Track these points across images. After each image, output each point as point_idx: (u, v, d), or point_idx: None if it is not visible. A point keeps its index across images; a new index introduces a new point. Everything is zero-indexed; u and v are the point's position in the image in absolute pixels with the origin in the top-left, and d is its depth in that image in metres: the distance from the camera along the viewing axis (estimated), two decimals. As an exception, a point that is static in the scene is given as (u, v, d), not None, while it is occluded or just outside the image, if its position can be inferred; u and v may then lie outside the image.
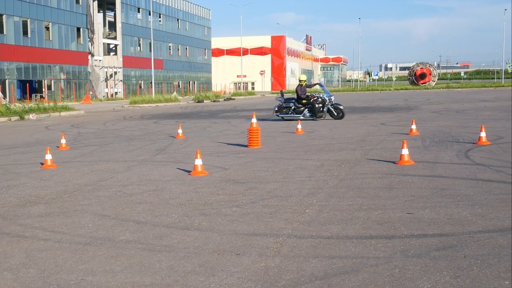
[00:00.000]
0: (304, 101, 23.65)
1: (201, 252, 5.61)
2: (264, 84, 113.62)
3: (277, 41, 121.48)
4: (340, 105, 24.05)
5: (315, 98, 23.63)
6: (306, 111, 23.53)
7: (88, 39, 70.97)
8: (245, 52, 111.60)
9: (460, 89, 75.56)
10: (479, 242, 5.66)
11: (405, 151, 10.79)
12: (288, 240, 5.95)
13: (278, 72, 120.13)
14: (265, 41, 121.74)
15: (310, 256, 5.38)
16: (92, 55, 72.35)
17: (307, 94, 23.88)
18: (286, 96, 26.11)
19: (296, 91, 23.91)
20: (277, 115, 24.24)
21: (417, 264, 5.06)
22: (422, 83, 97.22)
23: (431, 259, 5.20)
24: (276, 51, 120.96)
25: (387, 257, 5.30)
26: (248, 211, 7.31)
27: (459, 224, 6.35)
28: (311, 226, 6.48)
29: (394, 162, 10.96)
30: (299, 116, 23.34)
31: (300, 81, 24.34)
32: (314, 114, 23.38)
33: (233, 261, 5.31)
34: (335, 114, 23.50)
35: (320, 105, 23.52)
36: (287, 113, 23.83)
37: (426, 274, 4.82)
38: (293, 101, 23.95)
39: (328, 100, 23.65)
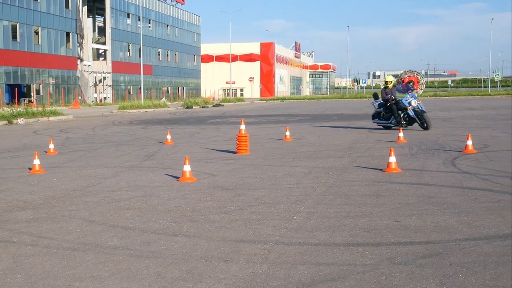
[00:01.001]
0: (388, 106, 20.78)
1: (189, 259, 5.62)
2: (253, 91, 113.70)
3: (266, 48, 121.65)
4: (423, 112, 20.13)
5: (393, 102, 20.47)
6: (392, 117, 20.61)
7: (78, 44, 70.78)
8: (234, 58, 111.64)
9: (447, 97, 76.09)
10: (465, 249, 5.71)
11: (392, 159, 10.86)
12: (275, 246, 5.98)
13: (267, 78, 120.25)
14: (254, 48, 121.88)
15: (298, 263, 5.41)
16: (81, 60, 72.15)
17: (387, 97, 20.60)
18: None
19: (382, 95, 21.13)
20: (373, 122, 21.72)
21: (404, 272, 5.10)
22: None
23: (418, 266, 5.24)
24: (265, 58, 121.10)
25: (373, 264, 5.34)
26: (236, 218, 7.33)
27: (445, 231, 6.40)
28: (298, 233, 6.51)
29: (381, 170, 11.02)
30: (388, 123, 20.87)
31: (385, 82, 21.41)
32: (397, 121, 20.41)
33: (221, 268, 5.33)
34: (419, 122, 20.10)
35: (400, 111, 20.26)
36: (379, 119, 21.27)
37: (412, 281, 4.86)
38: (383, 106, 21.16)
39: (409, 105, 19.98)
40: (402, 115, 20.24)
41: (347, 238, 6.23)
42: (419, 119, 19.95)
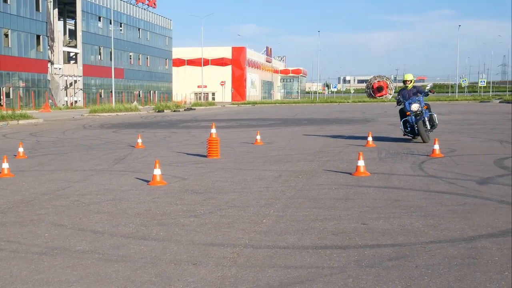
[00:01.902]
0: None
1: (158, 262, 5.64)
2: (224, 95, 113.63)
3: (238, 52, 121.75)
4: (420, 119, 16.84)
5: (401, 106, 17.36)
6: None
7: (48, 47, 70.07)
8: (206, 62, 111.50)
9: (417, 102, 76.59)
10: (431, 252, 5.81)
11: (361, 163, 10.99)
12: (244, 250, 6.02)
13: (238, 83, 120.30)
14: (226, 52, 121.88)
15: (266, 266, 5.46)
16: (52, 63, 71.43)
17: (399, 99, 17.26)
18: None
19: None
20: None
21: (371, 274, 5.18)
22: (379, 96, 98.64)
23: (384, 269, 5.32)
24: (237, 62, 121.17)
25: (341, 267, 5.41)
26: (205, 221, 7.36)
27: (411, 234, 6.51)
28: (267, 236, 6.57)
29: (350, 173, 11.13)
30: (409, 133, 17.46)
31: (403, 82, 17.63)
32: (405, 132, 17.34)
33: (190, 271, 5.36)
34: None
35: (404, 118, 17.14)
36: (406, 129, 17.42)
37: (379, 283, 4.94)
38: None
39: (410, 109, 16.82)
40: (403, 122, 17.28)
41: (316, 241, 6.30)
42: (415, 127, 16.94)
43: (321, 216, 7.52)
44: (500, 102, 68.36)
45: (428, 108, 17.19)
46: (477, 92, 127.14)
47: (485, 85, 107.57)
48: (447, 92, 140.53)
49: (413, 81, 17.42)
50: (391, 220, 7.22)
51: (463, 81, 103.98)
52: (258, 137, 18.18)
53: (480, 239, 6.29)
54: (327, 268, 5.38)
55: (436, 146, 13.73)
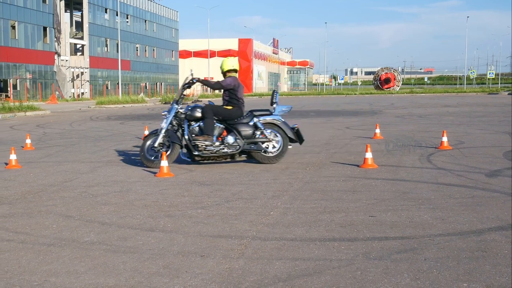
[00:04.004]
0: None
1: (166, 254, 5.64)
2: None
3: (244, 44, 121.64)
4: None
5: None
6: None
7: (55, 39, 70.19)
8: (213, 54, 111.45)
9: (423, 94, 76.58)
10: (439, 245, 5.78)
11: (368, 155, 10.95)
12: (252, 242, 6.01)
13: (245, 75, 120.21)
14: (233, 44, 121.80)
15: (274, 258, 5.45)
16: (59, 55, 71.56)
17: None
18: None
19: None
20: None
21: (379, 266, 5.16)
22: (387, 88, 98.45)
23: (392, 261, 5.30)
24: (243, 54, 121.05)
25: (349, 259, 5.39)
26: (213, 213, 7.35)
27: (420, 227, 6.48)
28: (275, 228, 6.55)
29: (358, 166, 11.10)
30: None
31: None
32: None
33: (198, 263, 5.35)
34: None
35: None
36: None
37: (387, 276, 4.92)
38: None
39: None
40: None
41: (323, 233, 6.28)
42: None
43: (329, 208, 7.50)
44: (508, 94, 67.89)
45: None
46: (485, 84, 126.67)
47: (493, 76, 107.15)
48: (455, 84, 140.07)
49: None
50: (399, 213, 7.19)
51: (471, 72, 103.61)
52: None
53: (489, 231, 6.26)
54: (335, 260, 5.36)
55: (445, 138, 13.67)
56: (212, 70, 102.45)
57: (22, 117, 32.36)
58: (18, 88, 62.03)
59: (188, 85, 11.84)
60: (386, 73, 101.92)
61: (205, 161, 11.69)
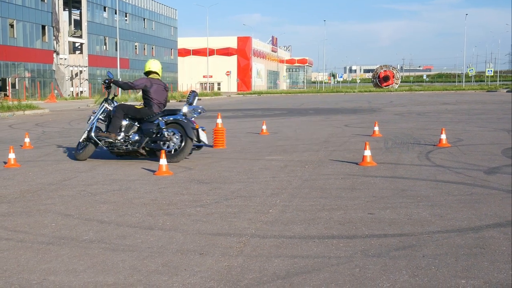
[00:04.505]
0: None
1: (165, 252, 5.64)
2: (230, 85, 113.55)
3: (243, 42, 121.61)
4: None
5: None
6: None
7: (53, 37, 70.12)
8: (211, 52, 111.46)
9: (422, 91, 76.69)
10: (438, 242, 5.79)
11: (367, 153, 10.96)
12: (251, 239, 6.01)
13: (244, 73, 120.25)
14: (231, 42, 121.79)
15: (273, 256, 5.46)
16: (57, 54, 71.50)
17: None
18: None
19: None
20: None
21: (377, 264, 5.17)
22: (386, 86, 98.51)
23: (391, 258, 5.31)
24: (242, 52, 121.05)
25: (348, 256, 5.40)
26: (212, 211, 7.36)
27: (418, 224, 6.49)
28: (274, 226, 6.56)
29: (356, 163, 11.11)
30: None
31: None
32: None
33: (196, 261, 5.35)
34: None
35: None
36: None
37: (385, 273, 4.93)
38: None
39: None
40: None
41: (322, 231, 6.29)
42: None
43: (328, 206, 7.51)
44: (507, 91, 67.91)
45: None
46: (484, 81, 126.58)
47: (492, 74, 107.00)
48: (454, 82, 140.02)
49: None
50: (398, 210, 7.20)
51: (470, 70, 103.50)
52: (264, 127, 18.16)
53: (488, 228, 6.27)
54: (334, 257, 5.37)
55: (443, 136, 13.68)
56: (211, 68, 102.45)
57: (21, 116, 32.35)
58: (16, 87, 61.98)
59: (106, 86, 12.72)
60: (385, 70, 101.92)
61: (123, 157, 12.56)
